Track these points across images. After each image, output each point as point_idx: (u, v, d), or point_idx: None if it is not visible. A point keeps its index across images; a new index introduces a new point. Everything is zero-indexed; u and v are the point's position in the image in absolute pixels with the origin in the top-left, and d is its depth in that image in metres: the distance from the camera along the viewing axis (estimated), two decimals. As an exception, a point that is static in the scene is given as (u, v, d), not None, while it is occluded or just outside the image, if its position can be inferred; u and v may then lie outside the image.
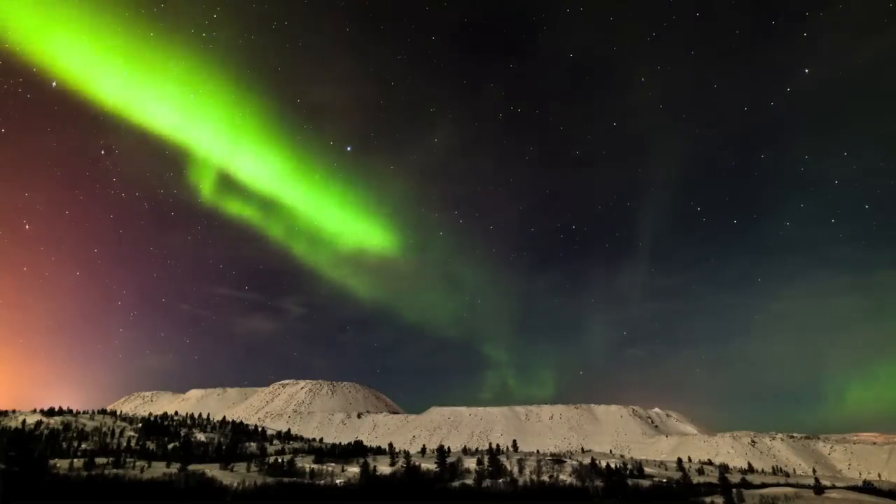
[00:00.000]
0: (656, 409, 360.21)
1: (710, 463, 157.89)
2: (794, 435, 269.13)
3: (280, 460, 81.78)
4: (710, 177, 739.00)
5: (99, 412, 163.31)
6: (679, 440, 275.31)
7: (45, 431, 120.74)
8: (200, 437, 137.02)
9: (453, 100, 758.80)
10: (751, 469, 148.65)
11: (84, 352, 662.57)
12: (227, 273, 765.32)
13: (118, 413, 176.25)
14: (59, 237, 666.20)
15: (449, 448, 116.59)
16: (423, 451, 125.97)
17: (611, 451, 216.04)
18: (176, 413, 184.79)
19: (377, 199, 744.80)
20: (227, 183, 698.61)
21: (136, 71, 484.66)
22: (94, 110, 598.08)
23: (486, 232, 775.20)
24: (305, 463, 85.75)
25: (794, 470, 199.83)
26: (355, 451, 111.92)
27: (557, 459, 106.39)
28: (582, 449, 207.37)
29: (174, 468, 70.42)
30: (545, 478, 76.45)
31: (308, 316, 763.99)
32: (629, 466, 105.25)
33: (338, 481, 65.98)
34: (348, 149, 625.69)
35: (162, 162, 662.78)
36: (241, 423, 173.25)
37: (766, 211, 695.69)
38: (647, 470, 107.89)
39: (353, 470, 78.63)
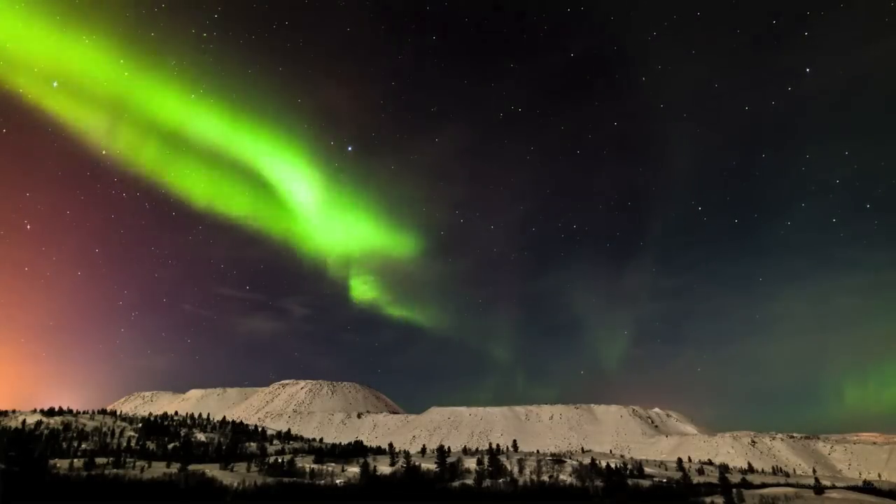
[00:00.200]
0: (656, 409, 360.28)
1: (710, 463, 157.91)
2: (794, 435, 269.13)
3: (280, 460, 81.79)
4: (711, 177, 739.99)
5: (99, 412, 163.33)
6: (679, 440, 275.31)
7: (45, 431, 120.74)
8: (200, 437, 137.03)
9: (454, 100, 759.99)
10: (751, 469, 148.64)
11: (85, 352, 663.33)
12: (228, 273, 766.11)
13: (118, 413, 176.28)
14: (60, 237, 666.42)
15: (449, 448, 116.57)
16: (423, 451, 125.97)
17: (611, 451, 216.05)
18: (176, 413, 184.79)
19: (378, 200, 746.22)
20: (228, 183, 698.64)
21: (137, 71, 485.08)
22: (94, 110, 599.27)
23: (487, 232, 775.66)
24: (305, 463, 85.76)
25: (794, 470, 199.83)
26: (355, 451, 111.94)
27: (557, 459, 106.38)
28: (582, 449, 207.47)
29: (174, 468, 70.41)
30: (545, 478, 76.45)
31: (309, 316, 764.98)
32: (629, 466, 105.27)
33: (338, 481, 65.98)
34: (349, 149, 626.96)
35: (162, 162, 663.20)
36: (241, 423, 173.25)
37: (768, 211, 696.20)
38: (648, 470, 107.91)
39: (354, 470, 78.65)
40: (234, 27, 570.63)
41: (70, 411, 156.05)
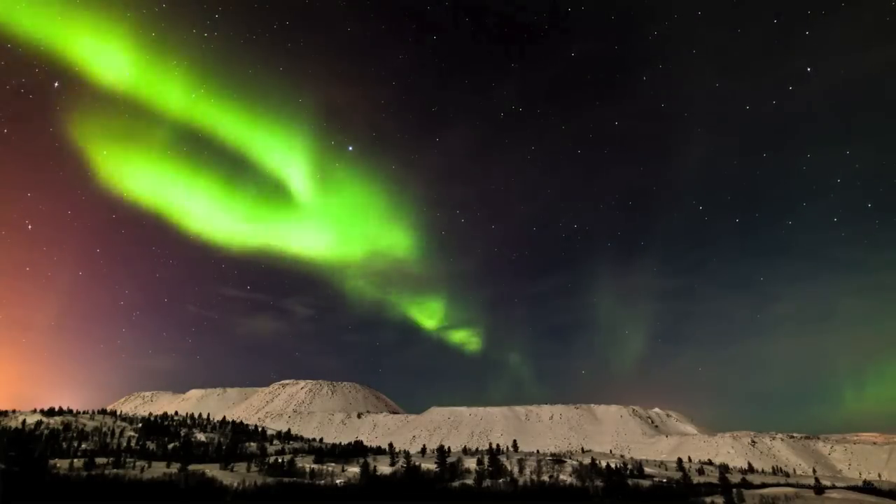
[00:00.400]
0: (656, 409, 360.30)
1: (710, 463, 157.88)
2: (794, 435, 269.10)
3: (280, 460, 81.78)
4: (712, 177, 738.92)
5: (99, 412, 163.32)
6: (679, 440, 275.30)
7: (45, 431, 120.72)
8: (200, 437, 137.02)
9: (455, 100, 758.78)
10: (751, 469, 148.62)
11: (86, 352, 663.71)
12: (229, 273, 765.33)
13: (118, 413, 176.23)
14: (62, 237, 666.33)
15: (449, 448, 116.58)
16: (424, 451, 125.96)
17: (611, 451, 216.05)
18: (176, 413, 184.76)
19: (378, 200, 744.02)
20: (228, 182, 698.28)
21: (139, 71, 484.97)
22: (95, 110, 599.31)
23: (488, 232, 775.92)
24: (305, 463, 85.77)
25: (794, 470, 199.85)
26: (355, 451, 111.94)
27: (557, 459, 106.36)
28: (582, 449, 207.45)
29: (174, 468, 70.40)
30: (545, 478, 76.43)
31: (311, 317, 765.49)
32: (629, 466, 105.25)
33: (338, 481, 65.96)
34: (349, 149, 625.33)
35: (162, 161, 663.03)
36: (241, 423, 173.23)
37: (769, 211, 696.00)
38: (648, 470, 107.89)
39: (354, 470, 78.65)
40: (234, 27, 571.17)
41: (70, 411, 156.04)
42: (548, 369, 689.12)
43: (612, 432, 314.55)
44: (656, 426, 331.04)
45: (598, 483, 66.55)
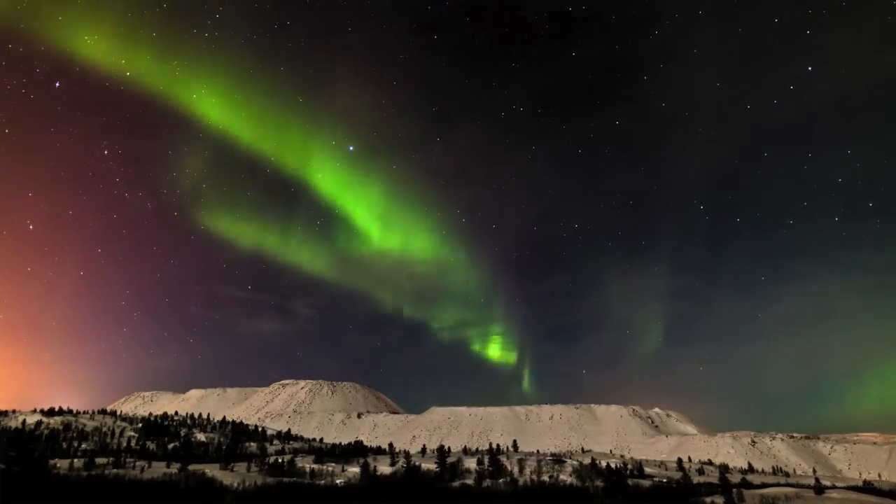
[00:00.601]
0: (656, 409, 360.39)
1: (710, 463, 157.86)
2: (794, 435, 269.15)
3: (280, 460, 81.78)
4: (713, 177, 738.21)
5: (99, 412, 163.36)
6: (679, 440, 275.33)
7: (46, 431, 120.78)
8: (200, 437, 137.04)
9: (456, 100, 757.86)
10: (751, 469, 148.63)
11: (87, 352, 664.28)
12: (230, 273, 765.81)
13: (118, 413, 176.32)
14: (63, 237, 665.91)
15: (449, 448, 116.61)
16: (424, 451, 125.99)
17: (611, 451, 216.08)
18: (176, 413, 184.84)
19: (379, 200, 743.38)
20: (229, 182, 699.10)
21: (139, 71, 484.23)
22: (97, 111, 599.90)
23: (489, 232, 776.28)
24: (306, 463, 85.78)
25: (795, 470, 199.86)
26: (355, 451, 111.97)
27: (558, 459, 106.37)
28: (582, 449, 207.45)
29: (174, 468, 70.40)
30: (545, 478, 76.44)
31: (312, 317, 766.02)
32: (629, 466, 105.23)
33: (338, 481, 65.97)
34: (350, 149, 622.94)
35: (164, 161, 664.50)
36: (241, 423, 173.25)
37: (770, 211, 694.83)
38: (648, 470, 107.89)
39: (354, 470, 78.66)
40: (235, 27, 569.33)
41: (70, 411, 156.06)
42: (549, 369, 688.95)
43: (612, 432, 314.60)
44: (656, 426, 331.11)
45: (599, 483, 66.56)
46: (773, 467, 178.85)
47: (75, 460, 78.02)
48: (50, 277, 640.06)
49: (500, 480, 70.33)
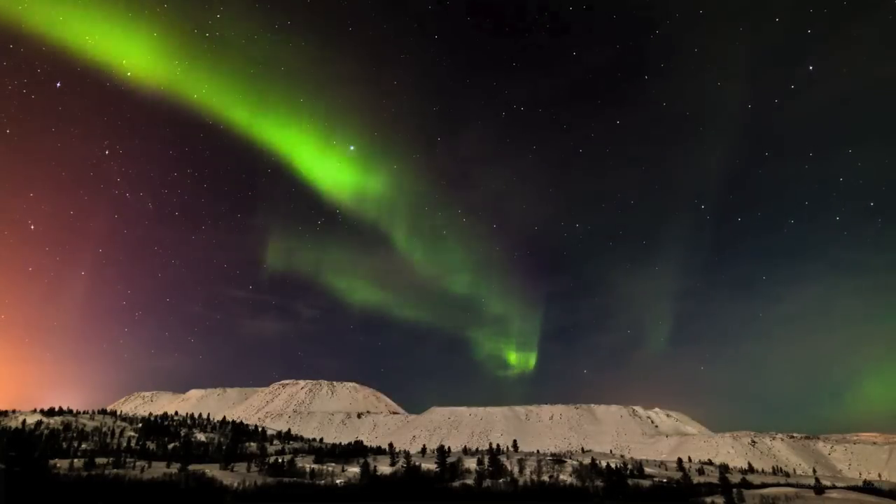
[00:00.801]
0: (656, 409, 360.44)
1: (710, 463, 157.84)
2: (794, 435, 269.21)
3: (280, 460, 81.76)
4: (714, 176, 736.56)
5: (99, 412, 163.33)
6: (679, 440, 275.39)
7: (46, 431, 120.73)
8: (200, 437, 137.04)
9: (457, 100, 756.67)
10: (751, 469, 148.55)
11: (88, 351, 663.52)
12: (230, 273, 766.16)
13: (118, 413, 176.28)
14: (64, 237, 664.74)
15: (449, 448, 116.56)
16: (424, 451, 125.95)
17: (611, 451, 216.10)
18: (176, 413, 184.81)
19: (380, 200, 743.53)
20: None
21: (140, 71, 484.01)
22: (97, 111, 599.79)
23: (490, 232, 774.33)
24: (306, 463, 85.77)
25: (795, 470, 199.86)
26: (355, 451, 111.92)
27: (558, 459, 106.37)
28: (582, 449, 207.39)
29: (174, 468, 70.40)
30: (545, 478, 76.45)
31: (313, 317, 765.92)
32: (629, 466, 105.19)
33: (338, 481, 65.97)
34: (351, 148, 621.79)
35: (164, 161, 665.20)
36: (241, 423, 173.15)
37: (771, 211, 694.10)
38: (648, 470, 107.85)
39: (354, 470, 78.65)
40: (235, 27, 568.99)
41: (70, 411, 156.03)
42: (550, 369, 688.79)
43: (612, 432, 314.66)
44: (656, 426, 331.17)
45: (599, 483, 66.57)
46: (773, 467, 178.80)
47: (75, 460, 78.00)
48: (51, 277, 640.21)
49: (501, 480, 70.34)
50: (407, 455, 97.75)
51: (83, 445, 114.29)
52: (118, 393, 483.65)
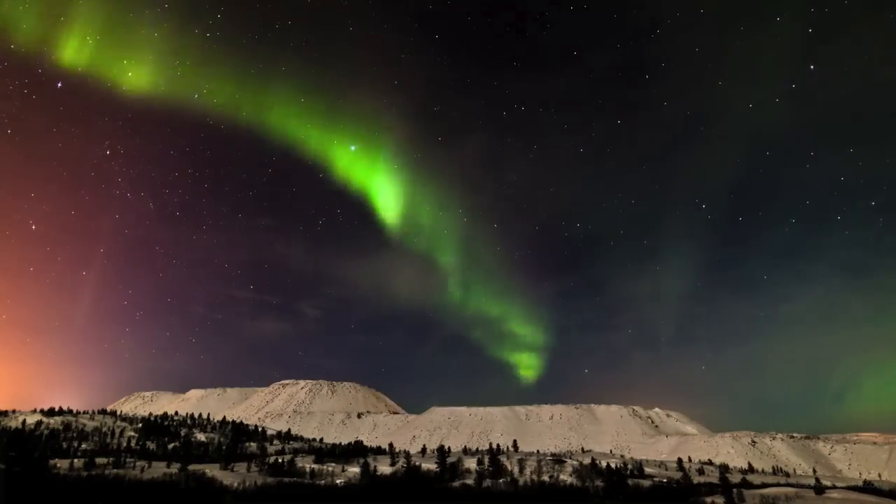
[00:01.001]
0: (656, 409, 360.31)
1: (710, 463, 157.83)
2: (794, 435, 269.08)
3: (280, 460, 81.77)
4: (715, 176, 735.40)
5: (99, 412, 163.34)
6: (679, 440, 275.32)
7: (46, 431, 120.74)
8: (200, 437, 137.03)
9: (458, 100, 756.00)
10: (751, 469, 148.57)
11: (89, 352, 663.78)
12: (231, 273, 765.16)
13: (118, 413, 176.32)
14: (65, 237, 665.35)
15: (449, 448, 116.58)
16: (424, 451, 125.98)
17: (611, 452, 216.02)
18: (176, 413, 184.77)
19: (380, 200, 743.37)
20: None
21: (141, 72, 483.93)
22: (98, 111, 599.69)
23: (490, 232, 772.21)
24: (306, 463, 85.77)
25: (795, 470, 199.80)
26: (355, 451, 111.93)
27: (558, 459, 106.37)
28: (582, 449, 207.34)
29: (174, 468, 70.40)
30: (545, 478, 76.44)
31: (313, 318, 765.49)
32: (629, 466, 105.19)
33: (338, 481, 65.97)
34: (352, 148, 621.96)
35: (165, 162, 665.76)
36: (241, 423, 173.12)
37: (771, 210, 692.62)
38: (648, 470, 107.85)
39: (354, 470, 78.63)
40: (235, 27, 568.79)
41: (70, 411, 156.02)
42: (550, 369, 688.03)
43: (612, 432, 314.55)
44: (656, 426, 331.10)
45: (599, 483, 66.57)
46: (773, 467, 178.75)
47: (75, 460, 77.99)
48: (52, 277, 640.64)
49: (501, 480, 70.34)
50: (407, 455, 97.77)
51: (83, 445, 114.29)
52: (118, 393, 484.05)
